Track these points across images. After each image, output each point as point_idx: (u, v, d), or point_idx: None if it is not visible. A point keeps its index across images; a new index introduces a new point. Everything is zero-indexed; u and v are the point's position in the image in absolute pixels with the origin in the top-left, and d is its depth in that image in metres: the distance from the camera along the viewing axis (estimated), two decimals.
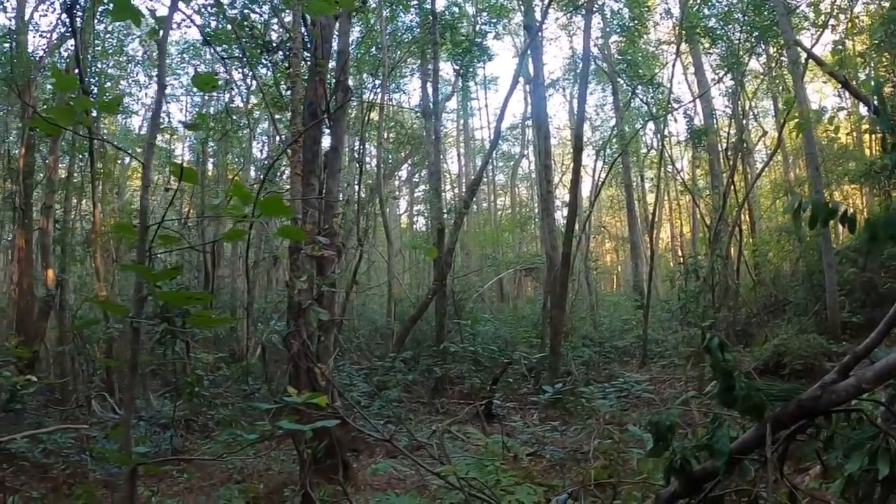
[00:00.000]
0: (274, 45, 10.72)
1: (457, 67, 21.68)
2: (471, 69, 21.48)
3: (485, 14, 21.45)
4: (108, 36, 19.27)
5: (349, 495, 7.07)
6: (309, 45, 8.51)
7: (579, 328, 19.73)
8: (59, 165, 17.82)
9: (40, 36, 17.01)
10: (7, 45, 16.43)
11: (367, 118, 18.70)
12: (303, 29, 10.55)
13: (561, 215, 24.53)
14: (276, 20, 13.86)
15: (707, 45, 20.38)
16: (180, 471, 9.65)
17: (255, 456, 9.92)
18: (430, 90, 19.27)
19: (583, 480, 5.92)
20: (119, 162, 23.69)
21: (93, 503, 7.71)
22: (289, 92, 9.61)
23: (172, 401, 12.21)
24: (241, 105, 20.12)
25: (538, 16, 18.64)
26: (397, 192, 33.54)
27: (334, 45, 8.89)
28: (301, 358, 4.26)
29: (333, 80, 8.71)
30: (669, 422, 4.00)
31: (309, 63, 8.56)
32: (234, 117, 19.10)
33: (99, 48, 17.44)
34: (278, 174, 17.04)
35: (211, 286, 15.45)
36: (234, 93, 19.52)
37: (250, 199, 2.41)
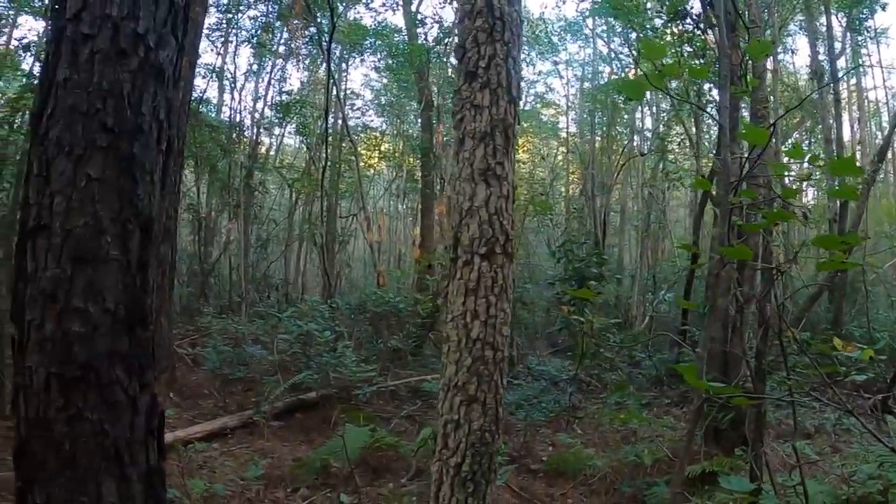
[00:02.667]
0: (684, 12, 10.56)
1: (845, 21, 19.08)
2: (859, 21, 18.69)
3: None
4: None
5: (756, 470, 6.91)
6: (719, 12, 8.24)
7: None
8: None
9: (425, 26, 18.81)
10: (398, 37, 18.62)
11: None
12: None
13: None
14: None
15: None
16: (579, 425, 10.30)
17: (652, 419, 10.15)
18: (819, 49, 17.39)
19: None
20: None
21: None
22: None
23: (571, 360, 12.79)
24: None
25: None
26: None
27: None
28: (774, 321, 4.26)
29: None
30: None
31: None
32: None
33: None
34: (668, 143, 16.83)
35: (601, 249, 15.77)
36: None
37: (859, 172, 2.40)
